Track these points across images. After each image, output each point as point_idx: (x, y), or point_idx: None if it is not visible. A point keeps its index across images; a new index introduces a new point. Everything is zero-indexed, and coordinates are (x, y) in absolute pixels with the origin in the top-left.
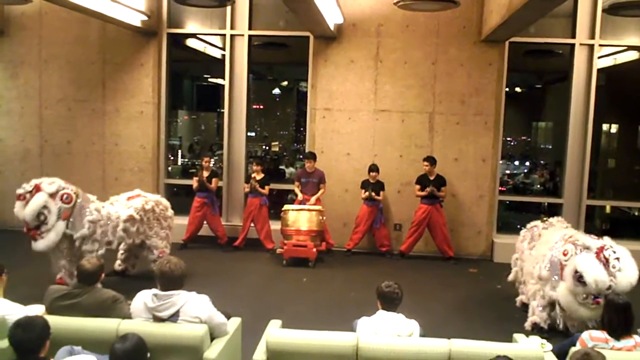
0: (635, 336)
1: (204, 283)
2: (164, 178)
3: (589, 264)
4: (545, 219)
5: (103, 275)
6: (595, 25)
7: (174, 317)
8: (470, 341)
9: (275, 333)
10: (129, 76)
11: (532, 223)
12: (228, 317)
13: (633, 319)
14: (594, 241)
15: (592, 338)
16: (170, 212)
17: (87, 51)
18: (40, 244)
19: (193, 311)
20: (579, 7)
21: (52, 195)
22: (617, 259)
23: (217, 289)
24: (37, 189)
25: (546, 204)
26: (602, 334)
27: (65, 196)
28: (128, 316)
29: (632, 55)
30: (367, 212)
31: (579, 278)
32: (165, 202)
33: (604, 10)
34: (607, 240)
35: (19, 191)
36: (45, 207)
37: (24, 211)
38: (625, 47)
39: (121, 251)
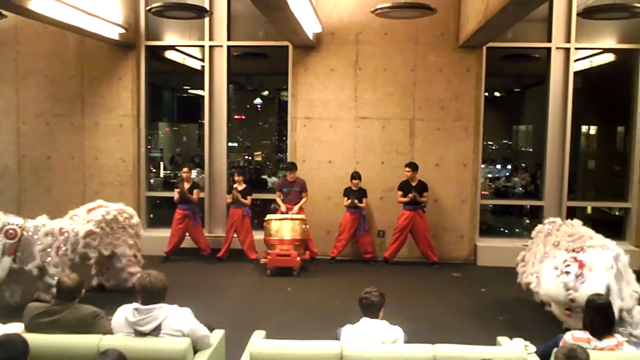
0: (617, 335)
1: (187, 296)
2: (145, 191)
3: (545, 277)
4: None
5: (83, 291)
6: (570, 29)
7: (155, 331)
8: (455, 346)
9: (259, 344)
10: (107, 90)
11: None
12: (211, 330)
13: (614, 319)
14: (562, 255)
15: (574, 338)
16: (135, 219)
17: (64, 65)
18: None
19: (175, 324)
20: (554, 12)
21: None
22: (578, 275)
23: (200, 301)
24: None
25: (528, 206)
26: (584, 334)
27: (10, 232)
28: (109, 331)
29: (607, 58)
30: (350, 219)
31: None
32: (130, 211)
33: (578, 14)
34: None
35: None
36: None
37: None
38: (600, 50)
39: (93, 266)
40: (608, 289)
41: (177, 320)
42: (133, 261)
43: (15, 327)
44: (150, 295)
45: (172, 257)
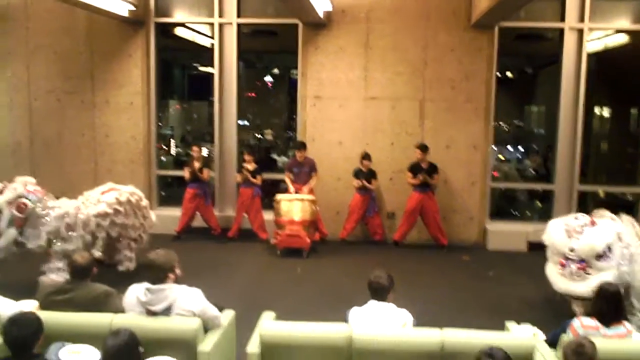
0: (626, 323)
1: (197, 275)
2: (155, 169)
3: (551, 227)
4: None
5: (95, 269)
6: (584, 9)
7: (166, 311)
8: (463, 330)
9: (269, 325)
10: (117, 67)
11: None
12: (221, 310)
13: (623, 306)
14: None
15: (583, 326)
16: (144, 202)
17: (74, 42)
18: None
19: (186, 304)
20: None
21: (10, 202)
22: (582, 225)
23: (210, 281)
24: (0, 192)
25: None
26: (593, 322)
27: (21, 205)
28: (121, 310)
29: (622, 39)
30: (360, 200)
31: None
32: (139, 193)
33: None
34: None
35: None
36: None
37: None
38: (614, 31)
39: (100, 242)
40: (608, 248)
41: (187, 300)
42: (133, 245)
43: (29, 305)
44: (157, 274)
45: (183, 236)
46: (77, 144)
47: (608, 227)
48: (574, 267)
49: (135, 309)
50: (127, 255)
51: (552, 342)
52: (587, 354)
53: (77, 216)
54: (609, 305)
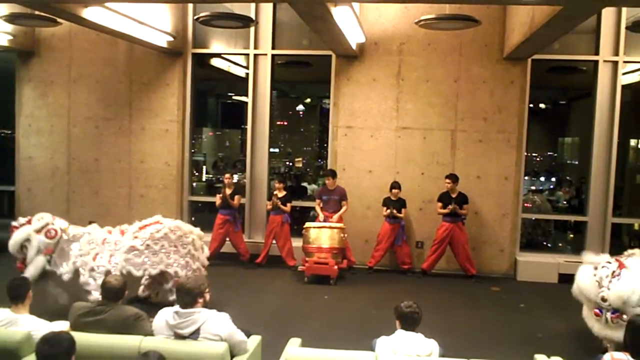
0: None
1: (226, 300)
2: (187, 195)
3: (580, 276)
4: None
5: (127, 292)
6: (619, 42)
7: (194, 335)
8: None
9: (295, 351)
10: (155, 95)
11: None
12: (248, 335)
13: None
14: (606, 257)
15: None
16: (192, 237)
17: (114, 71)
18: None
19: (214, 329)
20: (603, 24)
21: (38, 230)
22: (611, 274)
23: (238, 306)
24: (28, 222)
25: (572, 221)
26: (624, 356)
27: (50, 231)
28: (150, 333)
29: None
30: (389, 229)
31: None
32: (185, 228)
33: (627, 28)
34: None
35: (14, 223)
36: (28, 240)
37: (9, 243)
38: None
39: (145, 277)
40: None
41: (215, 324)
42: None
43: (61, 325)
44: (187, 298)
45: (212, 262)
46: (113, 169)
47: (638, 270)
48: (609, 315)
49: (164, 332)
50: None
51: None
52: None
53: (105, 246)
54: None
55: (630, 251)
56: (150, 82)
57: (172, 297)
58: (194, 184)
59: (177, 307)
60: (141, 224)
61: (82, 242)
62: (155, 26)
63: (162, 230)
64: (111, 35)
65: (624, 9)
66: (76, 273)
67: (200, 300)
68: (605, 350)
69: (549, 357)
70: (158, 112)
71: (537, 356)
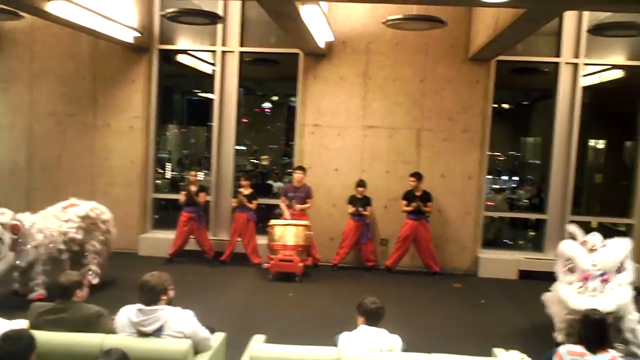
0: (611, 350)
1: (190, 297)
2: (151, 193)
3: (567, 247)
4: None
5: (86, 289)
6: (579, 45)
7: (158, 332)
8: (451, 356)
9: (259, 348)
10: (120, 91)
11: None
12: (212, 332)
13: (608, 333)
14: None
15: (569, 352)
16: (107, 215)
17: (78, 66)
18: None
19: (177, 326)
20: (564, 28)
21: (5, 226)
22: (602, 244)
23: (202, 303)
24: None
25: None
26: (579, 349)
27: (15, 227)
28: (112, 331)
29: (616, 74)
30: (354, 227)
31: (567, 263)
32: (101, 207)
33: (588, 31)
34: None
35: None
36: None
37: None
38: (609, 66)
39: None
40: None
41: (179, 321)
42: (98, 258)
43: (20, 324)
44: (151, 295)
45: (176, 259)
46: (75, 166)
47: (619, 243)
48: (597, 282)
49: (126, 330)
50: (93, 269)
51: None
52: None
53: (30, 230)
54: (595, 332)
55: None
56: (115, 77)
57: (90, 270)
58: (158, 181)
59: (140, 305)
60: (60, 205)
61: (34, 232)
62: (121, 21)
63: (83, 209)
64: (75, 30)
65: (585, 13)
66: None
67: (164, 298)
68: (560, 344)
69: (507, 350)
70: (123, 109)
71: (495, 350)
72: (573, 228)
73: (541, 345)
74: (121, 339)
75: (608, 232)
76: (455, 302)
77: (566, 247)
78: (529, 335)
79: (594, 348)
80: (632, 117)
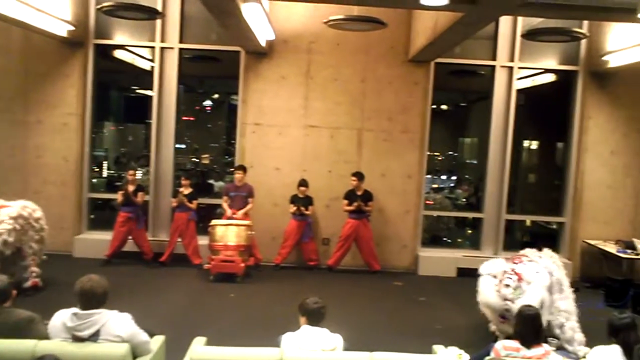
0: (545, 345)
1: (128, 300)
2: (87, 192)
3: (484, 290)
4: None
5: (15, 292)
6: (514, 49)
7: (94, 337)
8: (391, 353)
9: (200, 350)
10: (53, 87)
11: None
12: (151, 335)
13: (542, 329)
14: (502, 264)
15: (505, 347)
16: (39, 213)
17: (8, 60)
18: None
19: (114, 330)
20: (500, 32)
21: None
22: (516, 287)
23: (141, 306)
24: None
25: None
26: (514, 344)
27: None
28: (45, 337)
29: (549, 77)
30: (296, 226)
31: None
32: (33, 205)
33: (522, 36)
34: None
35: None
36: None
37: None
38: (542, 70)
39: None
40: (542, 303)
41: (116, 325)
42: (36, 259)
43: None
44: (91, 300)
45: (114, 261)
46: (5, 165)
47: (537, 283)
48: (504, 320)
49: (61, 335)
50: (33, 270)
51: None
52: None
53: None
54: (529, 327)
55: (521, 252)
56: (48, 72)
57: (27, 274)
58: (95, 181)
59: (75, 309)
60: None
61: None
62: (54, 14)
63: (15, 209)
64: (5, 22)
65: (520, 18)
66: None
67: (102, 301)
68: (497, 339)
69: (446, 347)
70: (56, 105)
71: (435, 346)
72: (486, 268)
73: (478, 341)
74: (55, 344)
75: (542, 229)
76: (396, 300)
77: (483, 291)
78: (467, 331)
79: (528, 343)
80: (564, 119)
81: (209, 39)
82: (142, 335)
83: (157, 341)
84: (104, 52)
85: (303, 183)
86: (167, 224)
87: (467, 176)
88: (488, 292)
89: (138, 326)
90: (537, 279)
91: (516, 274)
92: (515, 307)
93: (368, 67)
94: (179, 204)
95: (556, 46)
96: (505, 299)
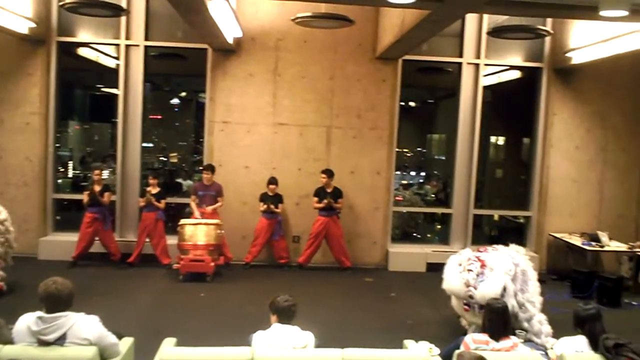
0: (512, 337)
1: (95, 303)
2: (52, 192)
3: (448, 274)
4: None
5: None
6: (480, 46)
7: (60, 340)
8: (362, 349)
9: (170, 351)
10: (14, 85)
11: None
12: (120, 338)
13: (510, 321)
14: (467, 253)
15: (474, 340)
16: (4, 214)
17: None
18: None
19: (81, 333)
20: (466, 29)
21: None
22: (476, 275)
23: (109, 308)
24: None
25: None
26: (483, 337)
27: None
28: (10, 341)
29: (515, 74)
30: (266, 224)
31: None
32: None
33: (487, 33)
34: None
35: None
36: None
37: None
38: (508, 67)
39: None
40: (504, 289)
41: (83, 328)
42: (2, 262)
43: None
44: (56, 303)
45: (80, 262)
46: None
47: (499, 268)
48: (477, 307)
49: (25, 339)
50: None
51: (447, 357)
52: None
53: None
54: (497, 320)
55: (495, 246)
56: (9, 71)
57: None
58: (60, 181)
59: (40, 312)
60: None
61: None
62: (15, 10)
63: None
64: None
65: (485, 16)
66: None
67: (69, 304)
68: (466, 332)
69: (417, 341)
70: (18, 104)
71: (406, 341)
72: (454, 259)
73: (449, 335)
74: (20, 349)
75: (509, 223)
76: (367, 296)
77: (447, 277)
78: (437, 325)
79: (497, 335)
80: (529, 115)
81: (175, 37)
82: (110, 338)
83: (126, 343)
84: (68, 50)
85: (272, 181)
86: (134, 224)
87: (435, 172)
88: (451, 278)
89: (106, 328)
90: (499, 265)
91: (479, 260)
92: (477, 293)
93: (336, 65)
94: (146, 204)
95: (521, 43)
96: (468, 285)
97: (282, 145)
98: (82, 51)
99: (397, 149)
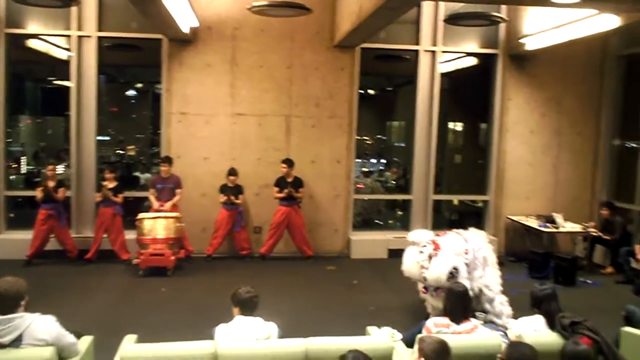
0: (473, 319)
1: (53, 302)
2: (4, 190)
3: (406, 260)
4: None
5: None
6: (436, 34)
7: (16, 342)
8: (326, 338)
9: (130, 348)
10: None
11: None
12: (79, 337)
13: (470, 304)
14: (427, 235)
15: (435, 324)
16: None
17: None
18: None
19: (38, 334)
20: (423, 17)
21: None
22: (427, 257)
23: (66, 306)
24: None
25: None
26: (444, 320)
27: None
28: None
29: (471, 61)
30: (227, 216)
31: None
32: None
33: (444, 20)
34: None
35: None
36: None
37: None
38: (464, 54)
39: None
40: (456, 270)
41: (40, 328)
42: None
43: None
44: (5, 303)
45: (36, 261)
46: None
47: (448, 251)
48: (432, 291)
49: None
50: None
51: (409, 341)
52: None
53: None
54: (458, 303)
55: (456, 230)
56: None
57: None
58: (12, 177)
59: None
60: None
61: None
62: None
63: None
64: None
65: (441, 3)
66: None
67: (22, 304)
68: (428, 316)
69: (379, 327)
70: None
71: (369, 328)
72: (413, 235)
73: (411, 320)
74: None
75: (468, 207)
76: (330, 284)
77: (405, 259)
78: (400, 311)
79: (457, 318)
80: (486, 101)
81: (130, 27)
82: (69, 337)
83: (85, 342)
84: (17, 42)
85: (232, 172)
86: (91, 219)
87: (395, 159)
88: (408, 260)
89: (64, 328)
90: (449, 247)
91: (434, 243)
92: (429, 274)
93: (294, 53)
94: (103, 199)
95: (477, 30)
96: (422, 267)
97: (241, 135)
98: (33, 43)
99: (357, 137)
